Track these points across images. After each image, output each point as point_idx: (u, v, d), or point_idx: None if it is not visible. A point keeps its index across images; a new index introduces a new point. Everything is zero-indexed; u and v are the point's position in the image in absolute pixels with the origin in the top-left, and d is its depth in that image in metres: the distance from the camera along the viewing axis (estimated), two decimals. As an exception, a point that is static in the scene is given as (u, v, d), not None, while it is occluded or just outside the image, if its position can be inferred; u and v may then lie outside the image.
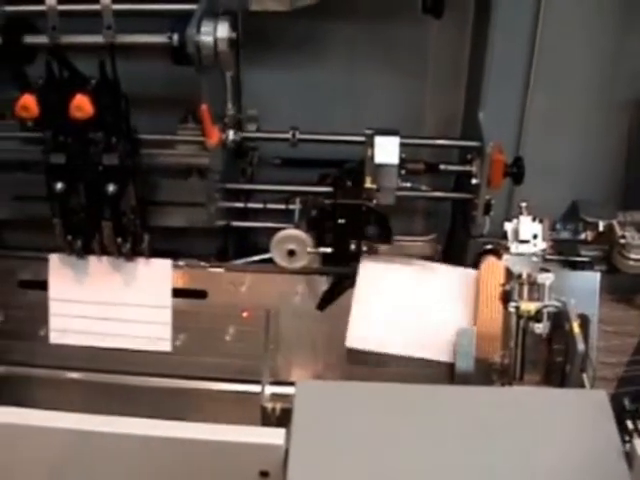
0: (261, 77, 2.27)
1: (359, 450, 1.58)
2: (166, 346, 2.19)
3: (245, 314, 2.16)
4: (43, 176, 2.05)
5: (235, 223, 2.24)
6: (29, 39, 2.00)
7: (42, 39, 1.98)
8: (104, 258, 2.17)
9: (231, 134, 2.08)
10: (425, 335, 2.08)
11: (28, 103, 1.91)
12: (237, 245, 2.33)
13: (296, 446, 1.56)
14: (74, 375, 2.27)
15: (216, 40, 1.90)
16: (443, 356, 2.08)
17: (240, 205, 2.22)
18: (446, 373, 2.08)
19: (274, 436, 1.61)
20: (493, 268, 2.06)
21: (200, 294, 2.18)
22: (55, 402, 1.80)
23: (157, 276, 2.17)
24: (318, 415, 1.63)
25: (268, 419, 1.91)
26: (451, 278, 2.10)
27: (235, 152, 2.20)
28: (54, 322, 2.22)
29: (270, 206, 2.21)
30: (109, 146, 1.98)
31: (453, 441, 1.59)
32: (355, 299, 2.11)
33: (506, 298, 1.97)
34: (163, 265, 2.17)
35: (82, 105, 1.88)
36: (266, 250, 2.17)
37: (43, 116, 1.94)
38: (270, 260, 2.12)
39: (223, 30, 1.91)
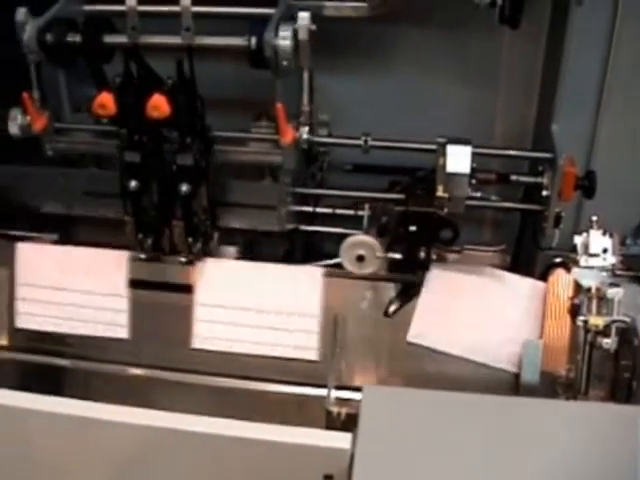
0: (332, 82, 2.29)
1: (423, 457, 1.58)
2: (313, 355, 2.19)
3: (313, 318, 2.17)
4: (116, 173, 2.07)
5: (303, 227, 2.24)
6: (108, 38, 2.03)
7: (121, 39, 2.01)
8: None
9: (304, 133, 2.07)
10: (489, 342, 2.08)
11: (105, 101, 1.94)
12: (303, 249, 2.34)
13: (361, 451, 1.57)
14: (140, 371, 2.28)
15: (296, 31, 1.93)
16: (506, 365, 2.08)
17: (309, 209, 2.22)
18: (509, 383, 2.08)
19: (340, 440, 1.61)
20: (562, 281, 2.05)
21: (266, 295, 2.19)
22: (122, 398, 1.81)
23: (306, 283, 2.18)
24: (384, 421, 1.64)
25: (333, 423, 1.91)
26: (520, 288, 2.10)
27: (306, 156, 2.20)
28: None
29: (339, 211, 2.21)
30: (183, 146, 2.00)
31: (515, 452, 1.59)
32: (421, 300, 2.12)
33: (574, 312, 1.95)
34: (314, 273, 2.18)
35: (159, 105, 1.90)
36: (331, 255, 2.18)
37: (120, 114, 1.96)
38: (338, 265, 2.13)
39: (304, 18, 1.93)
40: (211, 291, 2.20)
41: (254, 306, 2.18)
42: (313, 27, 1.94)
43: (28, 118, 2.13)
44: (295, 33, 1.93)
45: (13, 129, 2.14)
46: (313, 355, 2.18)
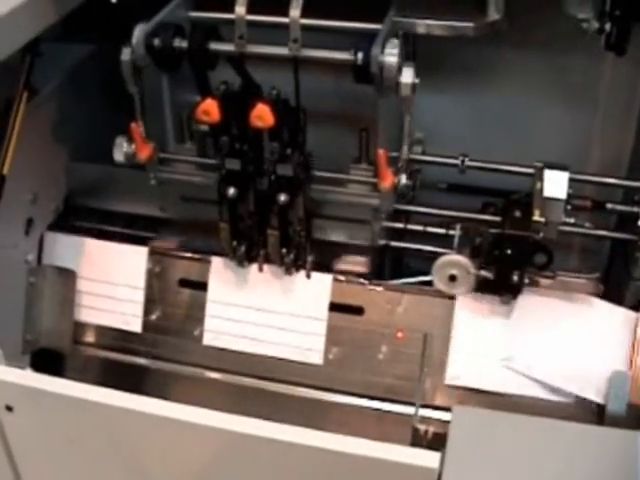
0: (427, 99, 2.27)
1: (510, 481, 1.58)
2: (317, 358, 2.21)
3: (400, 334, 2.17)
4: (212, 179, 2.11)
5: (394, 243, 2.24)
6: (214, 46, 2.04)
7: (228, 47, 2.02)
8: (265, 266, 2.21)
9: (403, 179, 2.07)
10: (578, 370, 2.06)
11: (210, 108, 1.95)
12: (392, 265, 2.34)
13: (449, 471, 1.56)
14: (220, 376, 2.30)
15: (399, 85, 1.93)
16: (593, 394, 2.06)
17: (400, 226, 2.22)
18: (595, 413, 2.06)
19: (429, 459, 1.60)
20: (653, 312, 2.04)
21: (356, 310, 2.20)
22: (198, 401, 1.82)
23: (316, 288, 2.20)
24: (473, 442, 1.63)
25: (419, 441, 1.91)
26: (612, 317, 2.08)
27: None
28: (209, 323, 2.27)
29: (429, 229, 2.21)
30: (284, 157, 2.01)
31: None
32: (512, 324, 2.11)
33: (666, 344, 1.94)
34: (323, 279, 2.20)
35: (263, 115, 1.92)
36: (418, 272, 2.19)
37: (223, 122, 1.98)
38: (427, 283, 2.13)
39: (408, 76, 1.93)
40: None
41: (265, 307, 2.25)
42: (417, 81, 1.94)
43: (133, 147, 2.16)
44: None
45: (118, 156, 2.18)
46: (318, 359, 2.22)
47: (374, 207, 2.12)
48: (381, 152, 1.99)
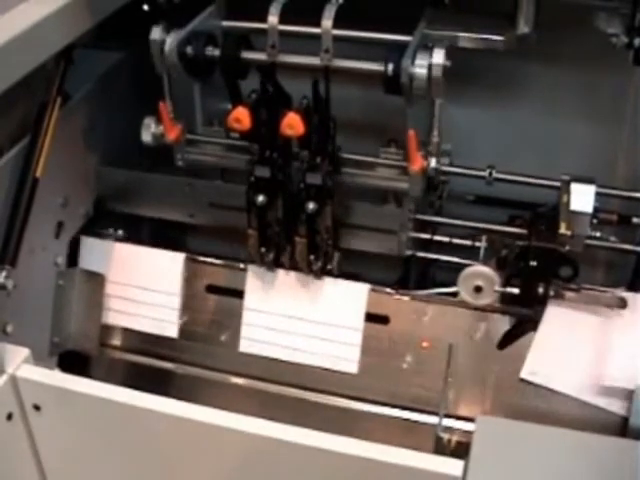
0: (455, 112, 2.29)
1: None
2: (352, 368, 2.22)
3: (425, 344, 2.18)
4: (242, 186, 2.13)
5: (421, 254, 2.25)
6: (246, 55, 2.07)
7: (260, 56, 2.05)
8: (295, 273, 2.23)
9: (433, 162, 2.08)
10: (601, 383, 2.06)
11: (241, 116, 1.98)
12: (417, 275, 2.35)
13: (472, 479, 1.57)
14: (246, 382, 2.33)
15: (431, 65, 1.92)
16: (617, 408, 2.05)
17: (427, 237, 2.23)
18: (618, 426, 2.05)
19: (452, 467, 1.61)
20: (680, 328, 2.03)
21: (382, 319, 2.21)
22: (225, 407, 1.84)
23: (351, 297, 2.21)
24: (497, 452, 1.63)
25: (442, 450, 1.91)
26: (637, 332, 2.08)
27: (427, 184, 2.21)
28: (245, 331, 2.29)
29: (455, 241, 2.22)
30: (313, 165, 2.04)
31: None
32: (538, 336, 2.11)
33: (690, 359, 1.94)
34: (359, 288, 2.21)
35: (294, 124, 1.94)
36: (444, 283, 2.20)
37: (253, 130, 2.01)
38: (452, 293, 2.14)
39: (439, 56, 1.93)
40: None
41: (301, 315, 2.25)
42: (448, 63, 1.94)
43: (161, 127, 2.19)
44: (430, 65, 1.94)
45: (146, 137, 2.20)
46: (353, 368, 2.22)
47: (403, 191, 2.13)
48: (412, 133, 2.00)
